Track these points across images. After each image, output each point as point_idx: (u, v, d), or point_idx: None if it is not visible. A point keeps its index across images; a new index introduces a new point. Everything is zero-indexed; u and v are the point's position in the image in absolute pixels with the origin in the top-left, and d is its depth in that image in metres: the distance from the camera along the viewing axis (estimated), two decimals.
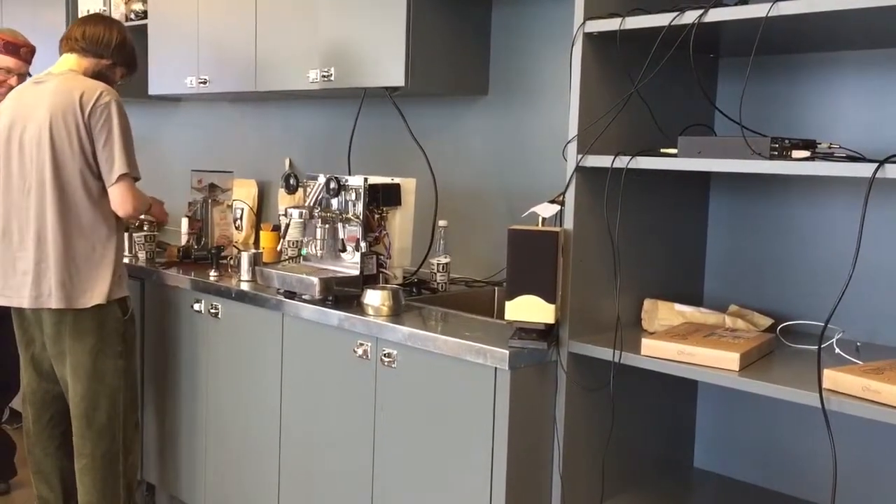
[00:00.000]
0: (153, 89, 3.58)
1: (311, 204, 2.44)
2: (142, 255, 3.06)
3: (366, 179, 2.40)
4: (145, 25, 3.57)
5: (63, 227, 2.49)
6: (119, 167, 2.49)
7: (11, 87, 3.07)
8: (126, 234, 2.96)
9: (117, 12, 3.72)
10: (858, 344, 1.97)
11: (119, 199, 2.51)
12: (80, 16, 3.91)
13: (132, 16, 3.67)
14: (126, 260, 2.97)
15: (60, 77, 2.56)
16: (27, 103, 2.56)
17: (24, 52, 3.08)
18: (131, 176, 2.52)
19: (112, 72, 2.69)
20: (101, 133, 2.48)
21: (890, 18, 1.63)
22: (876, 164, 1.51)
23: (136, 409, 2.75)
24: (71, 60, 2.63)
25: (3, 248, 2.59)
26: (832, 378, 1.60)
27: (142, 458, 3.04)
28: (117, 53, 2.67)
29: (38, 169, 2.50)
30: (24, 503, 3.22)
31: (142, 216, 2.95)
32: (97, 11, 3.67)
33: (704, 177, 2.28)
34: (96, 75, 2.63)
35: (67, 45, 2.65)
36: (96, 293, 2.52)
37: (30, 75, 3.12)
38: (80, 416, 2.59)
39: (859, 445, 2.02)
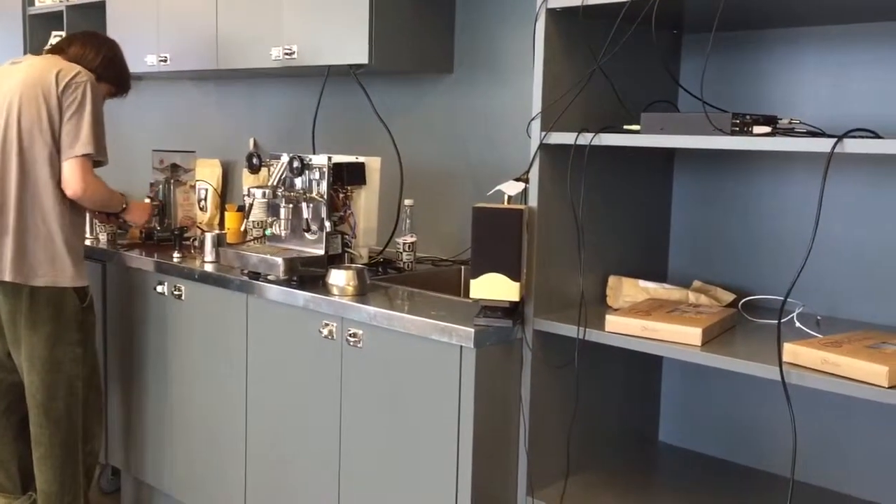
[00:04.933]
0: None
1: (275, 183, 2.42)
2: (103, 237, 3.01)
3: (330, 158, 2.38)
4: (104, 3, 3.49)
5: (23, 204, 2.44)
6: (82, 145, 2.43)
7: None
8: (87, 217, 2.85)
9: None
10: (819, 318, 1.99)
11: (70, 176, 2.43)
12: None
13: None
14: (87, 242, 2.93)
15: (39, 57, 2.55)
16: (2, 80, 2.52)
17: None
18: (91, 158, 2.47)
19: None
20: (70, 108, 2.43)
21: None
22: (835, 140, 1.53)
23: (99, 394, 2.73)
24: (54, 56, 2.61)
25: None
26: (792, 351, 1.62)
27: (106, 442, 3.01)
28: (101, 68, 2.61)
29: (5, 143, 2.45)
30: None
31: (119, 220, 2.79)
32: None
33: (668, 153, 2.29)
34: None
35: (53, 49, 2.64)
36: (52, 275, 2.47)
37: None
38: (38, 405, 2.54)
39: (820, 417, 2.05)
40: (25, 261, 2.45)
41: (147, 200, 3.02)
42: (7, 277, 2.45)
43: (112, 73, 2.67)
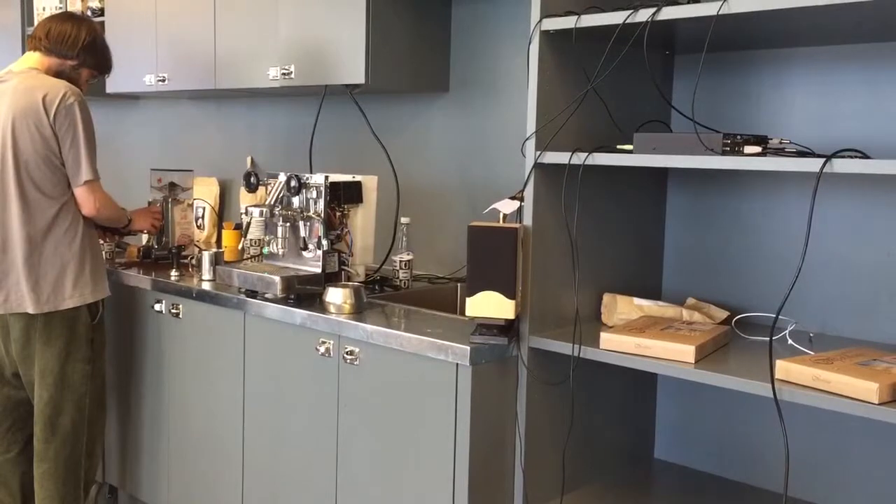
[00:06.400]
0: (110, 87, 3.53)
1: (272, 202, 2.44)
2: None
3: (327, 177, 2.40)
4: (102, 22, 3.52)
5: (31, 236, 2.46)
6: (86, 173, 2.48)
7: None
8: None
9: (73, 8, 3.67)
10: (811, 335, 2.01)
11: (83, 200, 2.51)
12: (35, 13, 3.85)
13: (88, 12, 3.62)
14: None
15: (21, 75, 2.52)
16: None
17: None
18: (97, 179, 2.52)
19: (77, 73, 2.63)
20: (67, 136, 2.46)
21: (835, 16, 1.67)
22: (824, 159, 1.55)
23: (103, 410, 2.74)
24: (33, 58, 2.59)
25: None
26: (784, 368, 1.64)
27: (104, 459, 3.02)
28: (84, 54, 2.61)
29: (3, 174, 2.46)
30: None
31: (121, 235, 2.86)
32: (65, 10, 3.61)
33: (662, 172, 2.31)
34: (58, 75, 2.58)
35: (31, 43, 2.61)
36: (79, 295, 2.50)
37: None
38: (45, 421, 2.55)
39: (812, 434, 2.06)
40: (49, 290, 2.47)
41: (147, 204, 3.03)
42: (30, 310, 2.47)
43: (93, 58, 2.65)
